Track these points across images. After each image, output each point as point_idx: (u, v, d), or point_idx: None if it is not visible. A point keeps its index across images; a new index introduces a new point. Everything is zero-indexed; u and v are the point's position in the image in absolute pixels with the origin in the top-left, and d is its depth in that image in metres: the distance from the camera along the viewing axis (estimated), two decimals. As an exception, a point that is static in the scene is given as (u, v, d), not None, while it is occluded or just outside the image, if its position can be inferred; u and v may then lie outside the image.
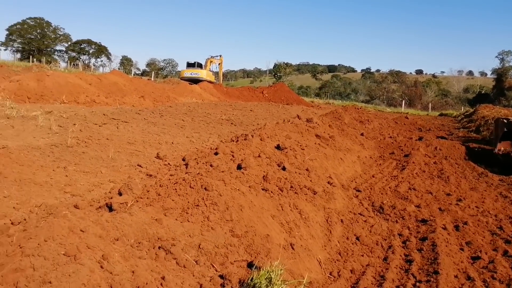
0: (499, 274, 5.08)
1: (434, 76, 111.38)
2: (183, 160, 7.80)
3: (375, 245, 5.90)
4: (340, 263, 5.23)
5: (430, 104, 51.69)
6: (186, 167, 6.73)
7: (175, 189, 4.95)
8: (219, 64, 46.34)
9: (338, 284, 4.57)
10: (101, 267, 3.03)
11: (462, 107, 46.78)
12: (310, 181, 7.06)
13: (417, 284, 4.72)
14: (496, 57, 69.25)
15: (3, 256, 2.96)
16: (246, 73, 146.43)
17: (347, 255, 5.50)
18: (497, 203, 8.36)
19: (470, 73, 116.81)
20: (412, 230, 6.65)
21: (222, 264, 3.98)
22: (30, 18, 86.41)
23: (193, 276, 3.67)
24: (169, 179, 5.47)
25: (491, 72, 74.80)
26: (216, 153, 7.08)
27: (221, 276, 3.74)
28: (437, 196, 8.68)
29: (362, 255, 5.52)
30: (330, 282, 4.61)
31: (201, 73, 42.27)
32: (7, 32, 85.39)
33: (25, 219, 4.55)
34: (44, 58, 69.34)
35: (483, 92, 70.74)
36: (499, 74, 65.28)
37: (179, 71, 47.08)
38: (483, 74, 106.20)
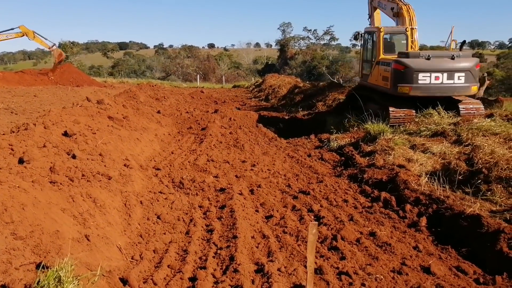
0: (289, 228, 5.67)
1: (225, 49, 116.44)
2: None
3: (177, 221, 5.96)
4: (142, 245, 5.13)
5: (223, 77, 53.99)
6: (-49, 169, 5.69)
7: None
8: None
9: (140, 267, 4.48)
10: None
11: (253, 78, 49.82)
12: (105, 166, 6.73)
13: (218, 251, 4.94)
14: (278, 29, 75.93)
15: None
16: (27, 55, 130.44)
17: (149, 236, 5.43)
18: (285, 164, 9.31)
19: (257, 45, 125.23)
20: (212, 200, 6.93)
21: (5, 272, 3.49)
22: None
23: (-34, 294, 3.14)
24: None
25: (275, 43, 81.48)
26: (-11, 149, 6.15)
27: (3, 286, 3.28)
28: (233, 164, 9.20)
29: (164, 233, 5.52)
30: (132, 267, 4.49)
31: None
32: None
33: None
34: None
35: (270, 62, 76.80)
36: (282, 45, 71.83)
37: None
38: (268, 45, 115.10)
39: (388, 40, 13.45)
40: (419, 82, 10.73)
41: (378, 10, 14.41)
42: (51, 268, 3.33)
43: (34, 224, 4.17)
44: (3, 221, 4.05)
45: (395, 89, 11.09)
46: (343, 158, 9.57)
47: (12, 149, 6.25)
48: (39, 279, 3.24)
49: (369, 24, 14.86)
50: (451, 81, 10.78)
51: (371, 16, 14.84)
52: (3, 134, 7.87)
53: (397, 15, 12.94)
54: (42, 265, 3.53)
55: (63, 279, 3.14)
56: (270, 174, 8.52)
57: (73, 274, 3.26)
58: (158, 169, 8.44)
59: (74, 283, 3.19)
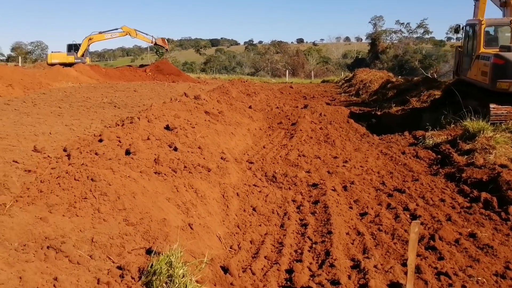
0: (384, 226, 5.57)
1: (314, 44, 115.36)
2: (65, 150, 7.29)
3: (271, 214, 6.11)
4: (240, 236, 5.33)
5: (312, 72, 53.82)
6: (69, 158, 6.30)
7: (59, 184, 4.63)
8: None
9: (239, 257, 4.66)
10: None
11: (342, 73, 49.00)
12: (204, 158, 7.05)
13: (313, 245, 4.99)
14: (369, 22, 74.36)
15: None
16: (125, 52, 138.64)
17: (246, 227, 5.62)
18: (379, 161, 9.11)
19: (347, 39, 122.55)
20: (305, 195, 6.99)
21: (119, 254, 3.84)
22: None
23: (89, 271, 3.49)
24: (51, 173, 5.09)
25: (365, 37, 79.91)
26: (100, 140, 6.72)
27: (119, 267, 3.61)
28: (325, 160, 9.18)
29: (260, 225, 5.68)
30: (231, 256, 4.68)
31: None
32: None
33: None
34: None
35: (360, 56, 75.31)
36: (373, 39, 70.24)
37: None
38: (359, 39, 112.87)
39: (491, 33, 12.61)
40: None
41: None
42: (162, 254, 3.59)
43: (143, 211, 4.52)
44: (117, 208, 4.44)
45: (493, 85, 10.42)
46: (439, 156, 9.14)
47: (119, 141, 6.77)
48: (152, 263, 3.51)
49: (474, 13, 13.97)
50: None
51: (476, 2, 13.95)
52: (110, 127, 8.55)
53: (504, 4, 12.02)
54: (152, 250, 3.82)
55: (174, 265, 3.38)
56: (363, 171, 8.38)
57: (182, 260, 3.50)
58: (251, 162, 8.68)
59: (183, 269, 3.42)
